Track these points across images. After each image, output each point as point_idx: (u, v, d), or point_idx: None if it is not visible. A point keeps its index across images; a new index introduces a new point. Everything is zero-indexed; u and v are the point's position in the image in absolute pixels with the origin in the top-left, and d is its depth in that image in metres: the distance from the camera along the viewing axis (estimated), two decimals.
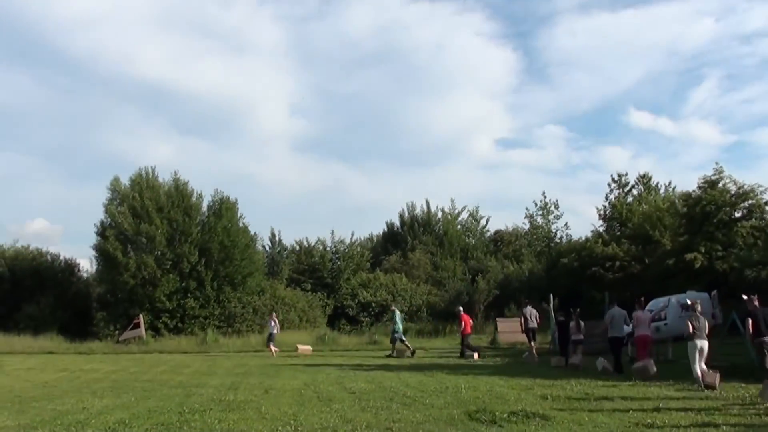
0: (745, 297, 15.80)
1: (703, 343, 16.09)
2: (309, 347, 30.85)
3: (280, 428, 10.40)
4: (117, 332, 39.45)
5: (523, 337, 29.50)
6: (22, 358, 29.55)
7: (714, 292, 29.08)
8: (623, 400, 13.31)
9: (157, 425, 10.80)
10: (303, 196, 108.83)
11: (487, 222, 62.98)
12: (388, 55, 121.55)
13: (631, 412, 11.78)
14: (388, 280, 48.97)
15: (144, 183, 44.79)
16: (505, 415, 11.19)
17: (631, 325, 21.13)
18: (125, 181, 45.41)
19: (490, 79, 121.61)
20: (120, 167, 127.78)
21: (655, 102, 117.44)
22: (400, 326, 29.48)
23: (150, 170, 45.92)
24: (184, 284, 42.86)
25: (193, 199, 45.98)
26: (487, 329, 38.96)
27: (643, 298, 22.51)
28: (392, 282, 48.76)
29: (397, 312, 30.22)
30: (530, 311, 28.85)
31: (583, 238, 47.48)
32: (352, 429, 10.25)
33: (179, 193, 45.29)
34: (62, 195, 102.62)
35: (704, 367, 15.88)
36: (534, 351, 26.86)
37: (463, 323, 28.54)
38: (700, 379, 15.54)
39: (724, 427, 10.05)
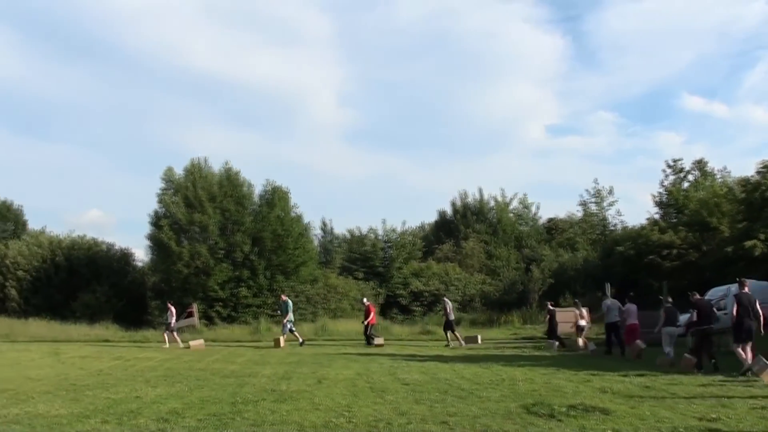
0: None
1: (674, 330, 20.44)
2: (202, 341, 30.23)
3: (333, 419, 10.22)
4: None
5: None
6: (78, 346, 29.73)
7: None
8: (685, 393, 12.93)
9: (210, 415, 10.68)
10: (354, 185, 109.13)
11: (537, 209, 62.54)
12: (437, 42, 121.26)
13: (694, 405, 11.42)
14: (441, 270, 48.74)
15: (197, 173, 44.99)
16: (563, 409, 10.85)
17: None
18: (179, 171, 45.76)
19: (540, 65, 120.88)
20: (171, 158, 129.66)
21: (708, 86, 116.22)
22: (291, 316, 29.91)
23: (202, 160, 46.19)
24: (237, 273, 43.04)
25: (245, 189, 46.10)
26: (542, 319, 38.56)
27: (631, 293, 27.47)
28: (445, 271, 48.53)
29: (290, 302, 30.35)
30: (450, 303, 30.63)
31: (639, 226, 46.85)
32: (406, 422, 10.00)
33: (231, 182, 45.47)
34: (115, 185, 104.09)
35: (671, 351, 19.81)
36: (460, 339, 29.23)
37: (371, 314, 29.92)
38: (668, 359, 19.13)
39: None
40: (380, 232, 54.20)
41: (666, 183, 49.68)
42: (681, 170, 50.02)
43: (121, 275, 48.43)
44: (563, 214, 61.23)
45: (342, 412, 10.95)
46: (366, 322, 29.74)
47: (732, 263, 35.00)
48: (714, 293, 28.19)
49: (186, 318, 37.14)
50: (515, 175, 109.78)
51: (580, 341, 26.17)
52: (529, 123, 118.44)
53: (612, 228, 54.28)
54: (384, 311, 46.17)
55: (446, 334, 29.90)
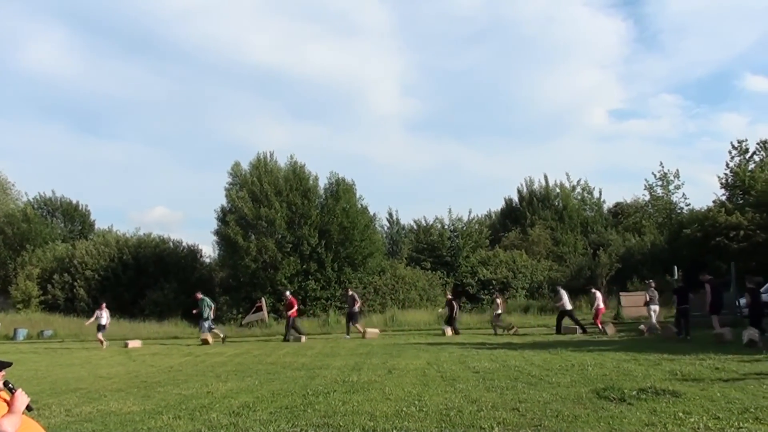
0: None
1: (656, 307, 26.96)
2: (139, 342, 29.98)
3: (404, 409, 10.14)
4: (240, 315, 40.01)
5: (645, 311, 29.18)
6: (148, 344, 30.17)
7: None
8: (756, 374, 12.69)
9: (281, 408, 10.67)
10: (418, 175, 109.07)
11: (600, 194, 61.91)
12: (496, 29, 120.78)
13: (765, 386, 11.16)
14: (508, 257, 48.48)
15: (263, 167, 45.38)
16: (634, 393, 10.68)
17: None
18: (245, 166, 46.12)
19: (601, 49, 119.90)
20: (235, 154, 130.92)
21: None
22: (207, 313, 29.54)
23: (268, 155, 46.59)
24: (304, 266, 43.27)
25: (311, 182, 46.27)
26: (611, 304, 38.09)
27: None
28: (512, 259, 48.25)
29: (206, 299, 30.00)
30: (357, 296, 31.46)
31: (705, 208, 46.01)
32: (477, 409, 9.89)
33: (297, 176, 45.69)
34: (180, 182, 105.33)
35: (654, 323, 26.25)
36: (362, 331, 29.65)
37: (293, 307, 29.94)
38: (656, 328, 25.30)
39: None
40: (446, 221, 54.06)
41: (731, 164, 48.68)
42: (746, 151, 48.87)
43: (188, 272, 49.05)
44: (629, 199, 60.56)
45: (413, 401, 10.89)
46: (289, 314, 29.80)
47: None
48: None
49: (255, 312, 37.41)
50: (579, 160, 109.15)
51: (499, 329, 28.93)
52: (592, 108, 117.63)
53: (679, 211, 53.38)
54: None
55: (347, 326, 30.41)
